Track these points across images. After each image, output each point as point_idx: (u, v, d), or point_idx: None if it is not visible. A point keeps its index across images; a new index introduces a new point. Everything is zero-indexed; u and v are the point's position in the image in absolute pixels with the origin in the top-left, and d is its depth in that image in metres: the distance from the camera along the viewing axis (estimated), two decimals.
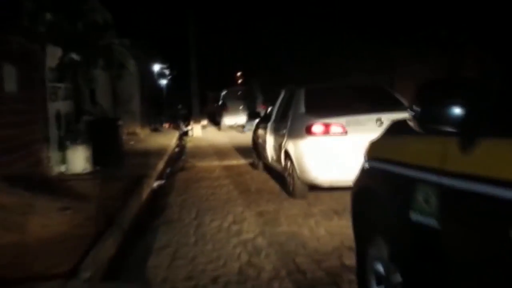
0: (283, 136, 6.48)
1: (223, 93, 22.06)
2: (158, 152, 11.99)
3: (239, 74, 37.38)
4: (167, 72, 34.67)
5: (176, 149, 14.17)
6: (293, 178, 6.07)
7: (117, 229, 5.13)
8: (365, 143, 5.47)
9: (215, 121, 22.73)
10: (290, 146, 6.09)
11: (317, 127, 5.56)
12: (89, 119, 9.83)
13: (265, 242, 4.50)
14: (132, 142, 14.61)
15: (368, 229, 2.56)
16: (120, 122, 9.88)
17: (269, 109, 8.03)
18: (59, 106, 9.27)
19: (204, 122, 20.90)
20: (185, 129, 19.86)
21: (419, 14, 13.80)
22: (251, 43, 21.81)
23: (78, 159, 8.97)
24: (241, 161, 10.23)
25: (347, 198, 6.03)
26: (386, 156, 2.42)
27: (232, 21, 22.83)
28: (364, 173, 2.74)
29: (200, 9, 18.43)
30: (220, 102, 21.61)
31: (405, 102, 6.18)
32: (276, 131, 6.97)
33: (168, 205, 6.43)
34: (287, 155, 6.23)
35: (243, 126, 17.76)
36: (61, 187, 7.63)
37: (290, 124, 6.30)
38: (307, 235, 4.73)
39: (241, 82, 33.71)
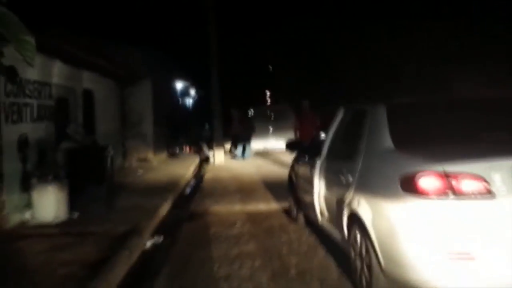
0: (347, 186, 3.75)
1: (250, 113, 19.43)
2: (167, 187, 9.41)
3: (268, 93, 34.96)
4: (192, 91, 32.61)
5: (193, 181, 11.57)
6: (370, 269, 3.30)
7: None
8: None
9: None
10: (365, 209, 3.34)
11: (429, 181, 2.79)
12: (69, 147, 7.36)
13: None
14: (140, 172, 12.14)
15: None
16: (110, 151, 7.36)
17: (319, 137, 5.29)
18: (26, 129, 6.85)
19: (228, 146, 18.28)
20: (207, 153, 17.30)
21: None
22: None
23: (48, 204, 6.46)
24: (272, 206, 7.50)
25: None
26: None
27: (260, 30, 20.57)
28: None
29: (224, 17, 16.12)
30: None
31: None
32: (333, 174, 4.25)
33: None
34: (357, 222, 3.48)
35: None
36: (3, 252, 5.11)
37: (363, 167, 3.56)
38: None
39: (271, 101, 31.19)
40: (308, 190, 4.93)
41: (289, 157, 7.55)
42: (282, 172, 9.75)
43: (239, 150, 15.84)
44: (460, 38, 11.14)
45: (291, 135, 14.40)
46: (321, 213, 4.65)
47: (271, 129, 17.63)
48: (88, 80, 10.25)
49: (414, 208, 2.84)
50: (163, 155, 16.39)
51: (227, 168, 13.53)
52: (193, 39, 19.65)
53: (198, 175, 12.70)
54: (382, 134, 3.45)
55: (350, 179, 3.71)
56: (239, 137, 15.89)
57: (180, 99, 25.87)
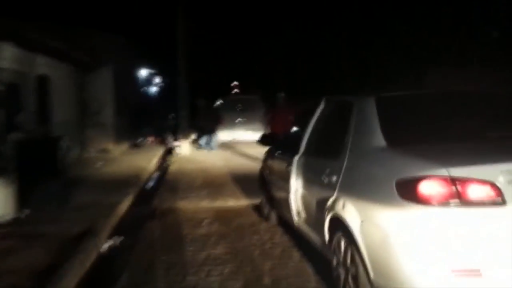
0: (329, 187, 3.36)
1: (218, 103, 18.86)
2: (128, 180, 8.82)
3: (235, 83, 34.30)
4: (158, 79, 31.61)
5: (156, 174, 10.99)
6: (356, 280, 2.94)
7: None
8: None
9: None
10: (352, 214, 2.96)
11: (432, 187, 2.43)
12: (19, 138, 6.67)
13: None
14: (100, 163, 11.43)
15: None
16: (64, 142, 6.73)
17: (293, 130, 4.89)
18: None
19: (194, 137, 17.70)
20: (172, 144, 16.64)
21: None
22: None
23: None
24: (242, 202, 7.09)
25: None
26: None
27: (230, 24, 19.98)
28: None
29: (193, 7, 15.46)
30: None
31: None
32: (313, 173, 3.86)
33: None
34: (341, 228, 3.11)
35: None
36: None
37: (349, 166, 3.18)
38: None
39: (239, 92, 30.59)
40: (283, 188, 4.53)
41: (258, 150, 7.13)
42: (251, 165, 9.34)
43: (204, 140, 15.31)
44: (459, 44, 11.07)
45: (260, 126, 13.93)
46: (298, 214, 4.27)
47: (239, 119, 17.15)
48: (43, 65, 9.48)
49: (414, 216, 2.47)
50: (125, 146, 15.66)
51: (193, 160, 13.00)
52: (160, 23, 18.82)
53: (162, 167, 12.12)
54: (372, 130, 3.06)
55: (333, 179, 3.33)
56: (205, 127, 15.33)
57: (144, 87, 24.97)
